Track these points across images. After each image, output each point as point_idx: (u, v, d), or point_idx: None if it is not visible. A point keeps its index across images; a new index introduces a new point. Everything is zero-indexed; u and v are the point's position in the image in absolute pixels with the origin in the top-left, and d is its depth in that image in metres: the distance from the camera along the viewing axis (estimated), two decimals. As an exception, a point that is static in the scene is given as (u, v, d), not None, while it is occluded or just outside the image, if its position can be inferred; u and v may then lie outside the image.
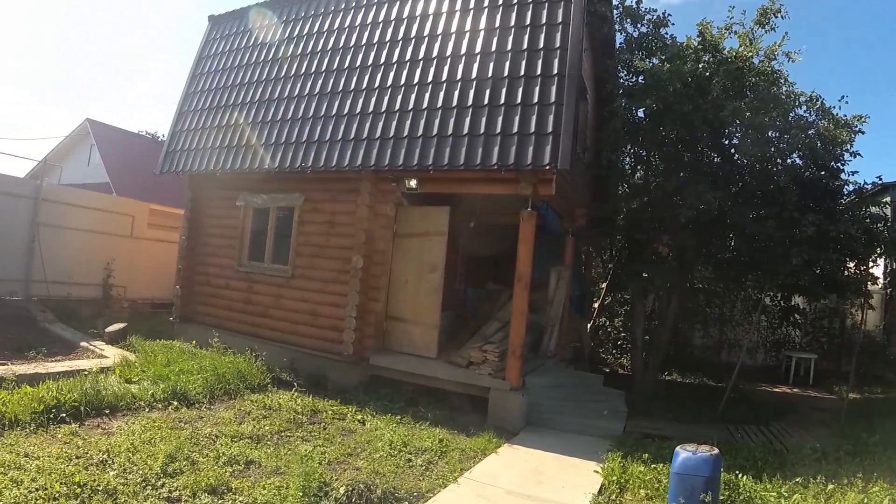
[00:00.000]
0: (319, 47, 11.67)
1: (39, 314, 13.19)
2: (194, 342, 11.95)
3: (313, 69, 11.49)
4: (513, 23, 9.60)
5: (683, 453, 5.66)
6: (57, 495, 5.10)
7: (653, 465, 7.12)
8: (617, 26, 12.94)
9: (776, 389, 14.90)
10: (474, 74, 9.54)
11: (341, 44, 11.38)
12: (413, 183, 9.74)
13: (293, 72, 11.80)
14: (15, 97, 69.03)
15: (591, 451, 7.90)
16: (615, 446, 8.09)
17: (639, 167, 14.28)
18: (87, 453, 6.17)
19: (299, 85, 11.52)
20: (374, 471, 6.41)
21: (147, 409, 7.96)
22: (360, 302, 10.20)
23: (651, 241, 12.57)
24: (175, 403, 8.23)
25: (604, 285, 18.41)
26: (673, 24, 14.53)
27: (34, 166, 25.53)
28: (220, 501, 5.44)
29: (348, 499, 5.42)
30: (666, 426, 9.54)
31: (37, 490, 5.13)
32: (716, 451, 5.68)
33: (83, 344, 11.34)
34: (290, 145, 10.97)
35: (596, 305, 18.28)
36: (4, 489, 5.05)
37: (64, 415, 7.16)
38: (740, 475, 6.61)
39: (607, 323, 18.98)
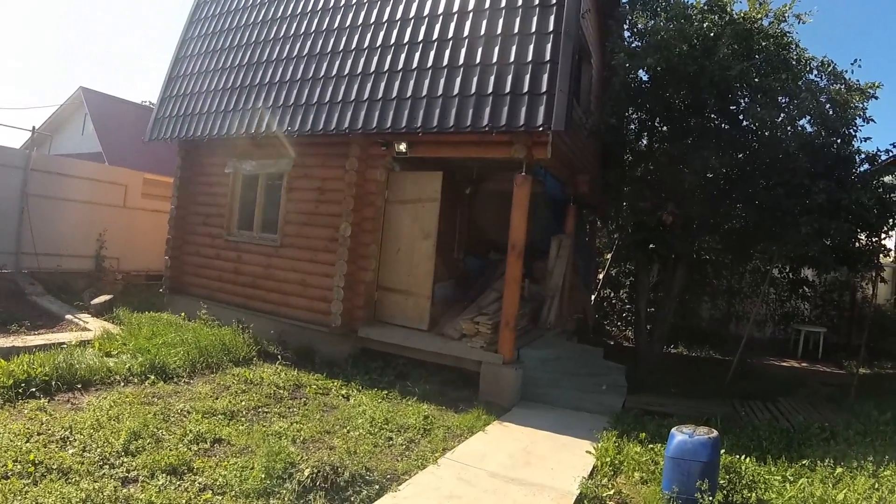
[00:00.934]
0: (309, 7, 11.15)
1: (28, 287, 12.87)
2: (183, 314, 11.61)
3: (302, 30, 10.99)
4: (508, -23, 9.01)
5: (679, 436, 5.27)
6: (9, 474, 4.80)
7: (650, 445, 6.73)
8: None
9: (784, 363, 14.42)
10: (466, 33, 9.02)
11: (331, 4, 10.84)
12: (403, 147, 9.28)
13: (282, 34, 11.29)
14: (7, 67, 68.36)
15: (586, 428, 7.51)
16: (612, 424, 7.71)
17: (643, 134, 13.73)
18: (49, 430, 5.87)
19: (288, 47, 11.03)
20: (349, 450, 6.03)
21: (122, 384, 7.63)
22: (349, 271, 9.80)
23: (656, 210, 12.07)
24: (152, 378, 7.90)
25: (609, 256, 17.97)
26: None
27: (28, 138, 25.32)
28: (178, 482, 5.11)
29: (313, 482, 5.06)
30: (668, 402, 9.11)
31: (-11, 468, 4.81)
32: (714, 433, 5.29)
33: (68, 317, 11.05)
34: (277, 108, 10.50)
35: (601, 277, 17.85)
36: (-46, 468, 4.75)
37: (34, 389, 6.88)
38: (743, 457, 6.17)
39: (612, 295, 18.51)
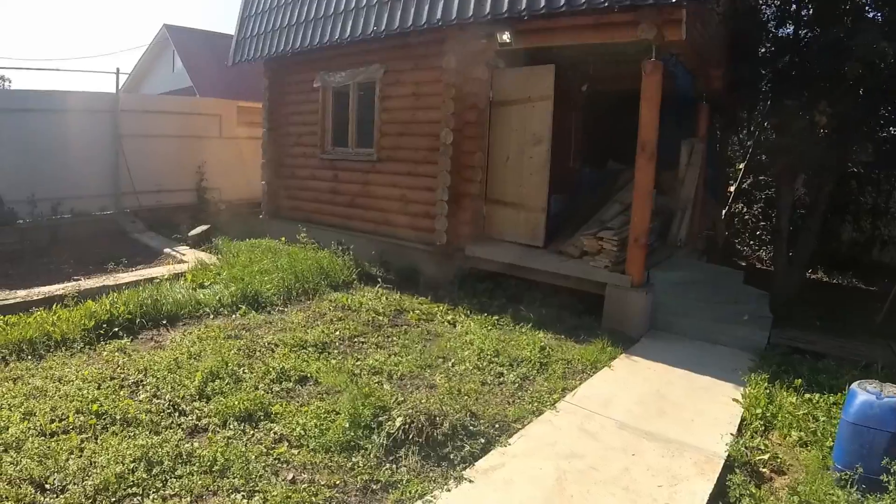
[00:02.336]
0: None
1: (129, 225, 12.84)
2: (283, 239, 11.04)
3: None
4: None
5: (863, 395, 3.97)
6: (69, 428, 4.20)
7: (807, 395, 5.45)
8: None
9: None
10: None
11: None
12: (506, 36, 7.98)
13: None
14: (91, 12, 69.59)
15: (728, 367, 6.26)
16: (757, 363, 6.40)
17: (787, 20, 11.81)
18: (123, 373, 5.31)
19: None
20: (451, 390, 5.11)
21: (211, 316, 7.05)
22: (453, 184, 8.77)
23: (804, 109, 10.28)
24: (243, 308, 7.27)
25: (741, 166, 16.12)
26: None
27: (124, 82, 25.47)
28: (251, 431, 4.35)
29: (405, 433, 4.16)
30: (818, 339, 7.55)
31: (50, 422, 4.24)
32: (909, 395, 3.90)
33: (166, 250, 10.75)
34: (361, 10, 9.42)
35: (732, 189, 16.05)
36: (11, 424, 4.17)
37: (117, 329, 6.35)
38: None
39: (744, 210, 16.67)
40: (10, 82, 27.70)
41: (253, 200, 15.60)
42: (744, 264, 14.39)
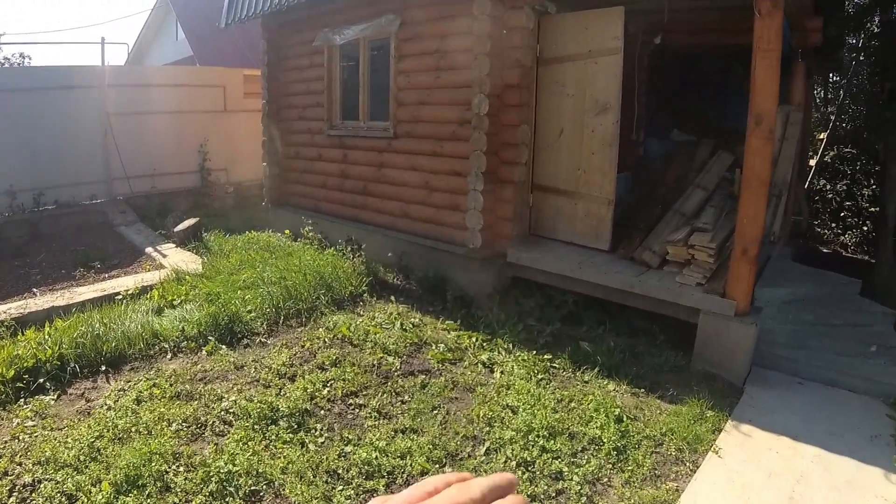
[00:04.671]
0: None
1: (118, 216, 11.11)
2: (287, 232, 9.32)
3: None
4: None
5: None
6: None
7: None
8: None
9: None
10: None
11: None
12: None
13: None
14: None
15: (865, 432, 4.32)
16: None
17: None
18: (18, 468, 3.69)
19: None
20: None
21: (169, 356, 5.29)
22: (490, 167, 6.64)
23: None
24: (212, 342, 5.43)
25: (822, 136, 13.80)
26: None
27: (130, 50, 23.72)
28: None
29: None
30: None
31: None
32: None
33: (147, 250, 9.01)
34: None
35: (813, 163, 13.69)
36: None
37: (43, 380, 4.70)
38: None
39: (827, 187, 14.30)
40: (30, 59, 26.02)
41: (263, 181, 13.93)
42: (826, 251, 12.26)
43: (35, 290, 7.54)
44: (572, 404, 4.51)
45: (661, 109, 10.29)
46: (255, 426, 4.06)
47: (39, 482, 3.54)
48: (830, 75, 13.32)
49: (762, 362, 5.42)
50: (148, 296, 6.58)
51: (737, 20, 7.75)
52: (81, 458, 3.74)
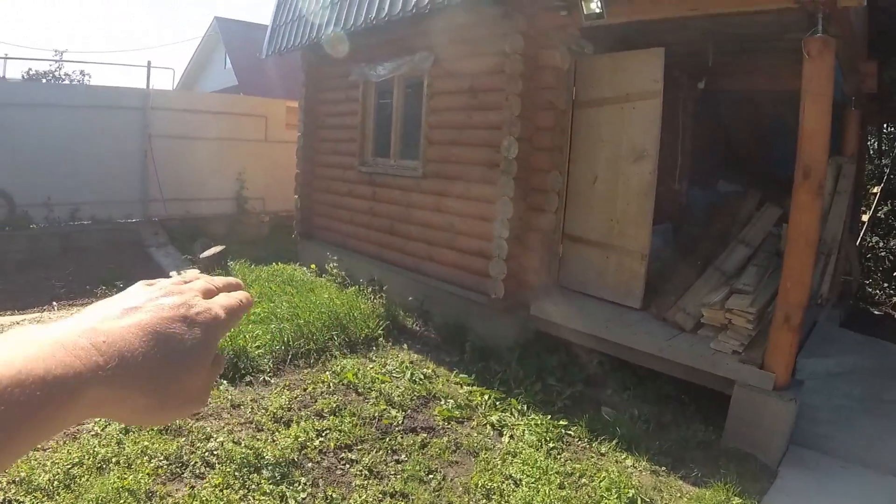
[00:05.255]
0: None
1: (150, 237, 11.18)
2: (314, 266, 9.18)
3: None
4: None
5: None
6: None
7: None
8: None
9: None
10: None
11: None
12: (595, 5, 5.54)
13: None
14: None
15: None
16: None
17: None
18: None
19: None
20: None
21: (168, 388, 4.93)
22: (517, 213, 6.28)
23: None
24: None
25: (876, 189, 13.12)
26: None
27: (181, 75, 24.21)
28: None
29: None
30: None
31: None
32: None
33: (172, 273, 8.75)
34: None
35: (865, 219, 12.98)
36: None
37: None
38: None
39: (880, 244, 13.54)
40: (90, 77, 26.67)
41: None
42: (876, 312, 11.54)
43: (55, 303, 7.58)
44: (582, 480, 4.07)
45: (706, 158, 9.83)
46: (237, 473, 3.75)
47: (10, 502, 3.34)
48: (885, 125, 12.72)
49: (801, 440, 4.86)
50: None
51: (786, 64, 7.36)
52: (55, 483, 3.52)
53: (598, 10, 5.45)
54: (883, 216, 13.24)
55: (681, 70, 7.99)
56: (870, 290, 13.01)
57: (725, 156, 10.26)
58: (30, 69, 18.47)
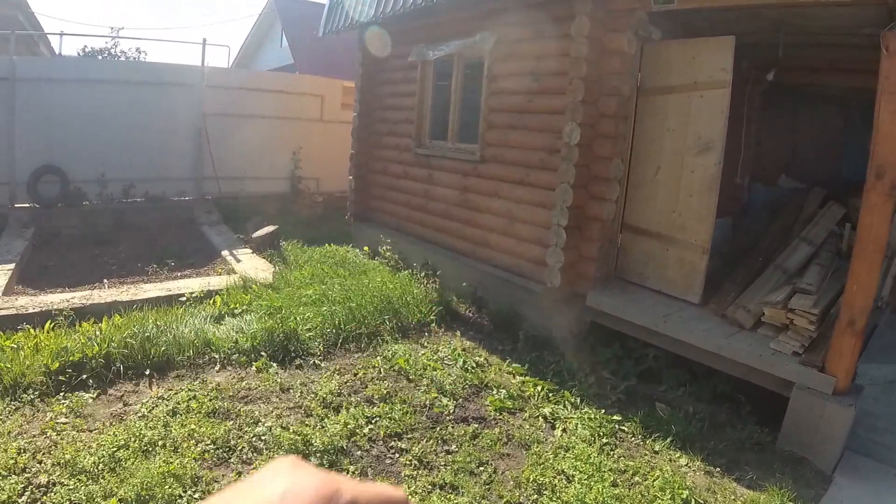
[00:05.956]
0: None
1: (203, 216, 11.29)
2: (367, 248, 9.17)
3: None
4: None
5: None
6: None
7: None
8: None
9: None
10: None
11: None
12: (670, -11, 5.36)
13: None
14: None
15: None
16: None
17: None
18: (37, 466, 3.57)
19: None
20: None
21: (217, 367, 5.06)
22: (577, 201, 6.15)
23: None
24: (264, 358, 5.18)
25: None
26: None
27: (238, 53, 24.41)
28: None
29: None
30: None
31: None
32: None
33: (223, 252, 8.96)
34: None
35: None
36: None
37: (86, 376, 4.58)
38: None
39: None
40: (145, 54, 27.27)
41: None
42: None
43: (106, 280, 7.63)
44: (636, 478, 3.97)
45: (770, 153, 9.51)
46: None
47: (54, 485, 3.39)
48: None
49: (856, 447, 4.67)
50: (211, 301, 6.45)
51: (860, 59, 7.03)
52: (101, 466, 3.57)
53: (669, -5, 5.27)
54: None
55: (748, 60, 7.71)
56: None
57: (791, 151, 9.91)
58: (85, 46, 18.84)
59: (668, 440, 4.48)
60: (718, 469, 4.25)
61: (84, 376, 4.58)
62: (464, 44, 7.62)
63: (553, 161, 6.38)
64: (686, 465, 4.23)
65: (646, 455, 4.33)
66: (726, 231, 7.90)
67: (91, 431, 3.95)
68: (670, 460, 4.28)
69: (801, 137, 10.02)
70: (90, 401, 4.35)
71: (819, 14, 5.43)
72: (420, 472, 3.85)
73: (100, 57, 17.35)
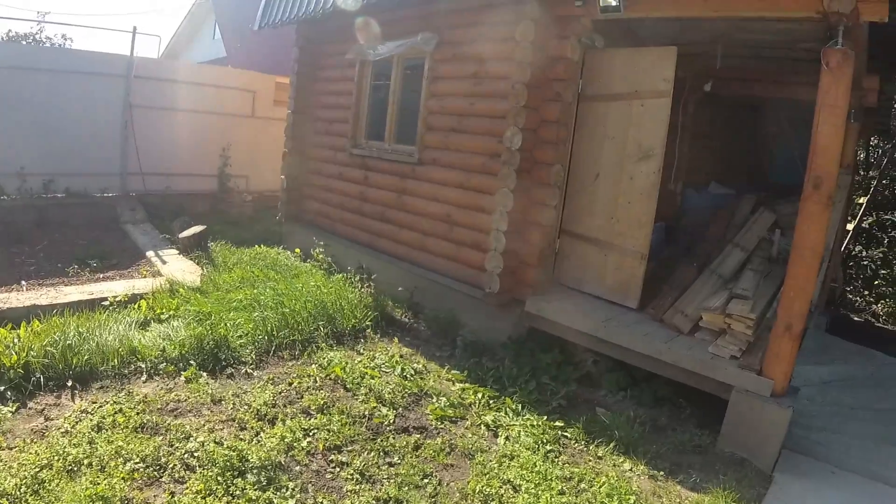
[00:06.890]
0: None
1: (126, 213, 10.72)
2: (298, 251, 8.94)
3: None
4: None
5: None
6: None
7: None
8: None
9: None
10: None
11: None
12: (613, -3, 5.38)
13: None
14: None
15: None
16: None
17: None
18: None
19: None
20: None
21: (144, 377, 4.78)
22: (517, 206, 6.11)
23: None
24: (193, 367, 4.92)
25: (862, 200, 13.23)
26: None
27: (168, 44, 23.65)
28: None
29: None
30: None
31: None
32: None
33: (149, 253, 8.58)
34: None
35: (850, 227, 13.09)
36: None
37: (4, 388, 4.26)
38: None
39: (862, 254, 13.69)
40: (72, 41, 25.89)
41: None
42: (857, 319, 11.65)
43: (24, 282, 7.16)
44: (582, 485, 3.95)
45: (700, 159, 9.75)
46: (220, 477, 3.54)
47: None
48: (871, 139, 12.97)
49: (794, 446, 4.80)
50: (136, 305, 6.14)
51: (793, 72, 7.26)
52: (23, 489, 3.27)
53: (615, 3, 5.30)
54: (867, 226, 13.42)
55: (686, 70, 7.87)
56: (851, 297, 13.18)
57: (722, 158, 10.20)
58: (10, 30, 17.85)
59: (612, 445, 4.49)
60: (662, 473, 4.27)
61: (2, 388, 4.25)
62: (405, 44, 7.49)
63: (494, 165, 6.33)
64: (630, 470, 4.23)
65: (590, 461, 4.32)
66: (661, 235, 8.04)
67: (11, 449, 3.65)
68: (615, 465, 4.28)
69: (732, 144, 10.33)
70: (9, 415, 4.02)
71: (760, 28, 5.57)
72: (363, 486, 3.71)
73: (24, 42, 16.38)
